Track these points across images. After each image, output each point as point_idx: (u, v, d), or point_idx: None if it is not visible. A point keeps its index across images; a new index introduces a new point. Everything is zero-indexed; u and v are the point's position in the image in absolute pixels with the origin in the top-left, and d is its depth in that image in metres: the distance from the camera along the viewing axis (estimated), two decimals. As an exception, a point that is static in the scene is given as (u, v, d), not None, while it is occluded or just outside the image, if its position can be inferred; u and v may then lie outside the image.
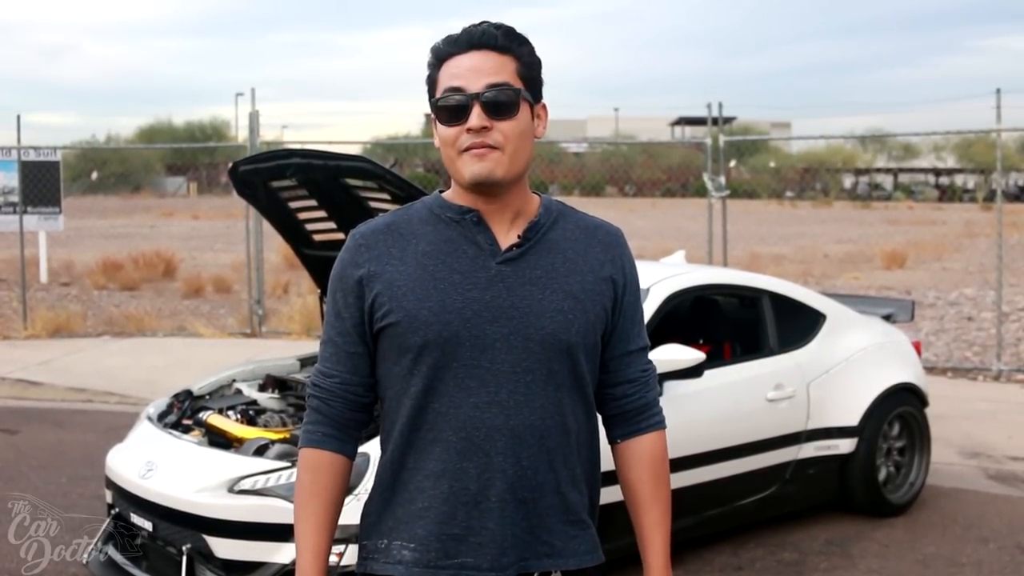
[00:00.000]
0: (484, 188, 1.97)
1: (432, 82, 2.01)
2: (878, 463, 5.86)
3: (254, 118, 12.17)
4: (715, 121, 11.43)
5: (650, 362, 2.20)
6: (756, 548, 5.43)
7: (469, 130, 1.94)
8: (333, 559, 4.02)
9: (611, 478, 2.18)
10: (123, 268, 17.73)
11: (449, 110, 1.96)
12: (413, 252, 1.99)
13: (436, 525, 1.96)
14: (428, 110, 2.05)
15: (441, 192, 2.08)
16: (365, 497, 2.09)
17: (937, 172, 65.10)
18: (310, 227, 5.48)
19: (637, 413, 2.14)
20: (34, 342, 11.88)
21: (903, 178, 65.31)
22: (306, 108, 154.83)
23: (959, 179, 61.80)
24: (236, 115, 54.98)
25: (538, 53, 2.04)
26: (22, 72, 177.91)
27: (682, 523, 5.14)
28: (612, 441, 2.17)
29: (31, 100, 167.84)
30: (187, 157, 54.73)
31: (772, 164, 52.75)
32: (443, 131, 1.97)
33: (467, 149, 1.95)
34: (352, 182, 4.87)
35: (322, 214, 5.33)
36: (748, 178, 47.49)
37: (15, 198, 12.60)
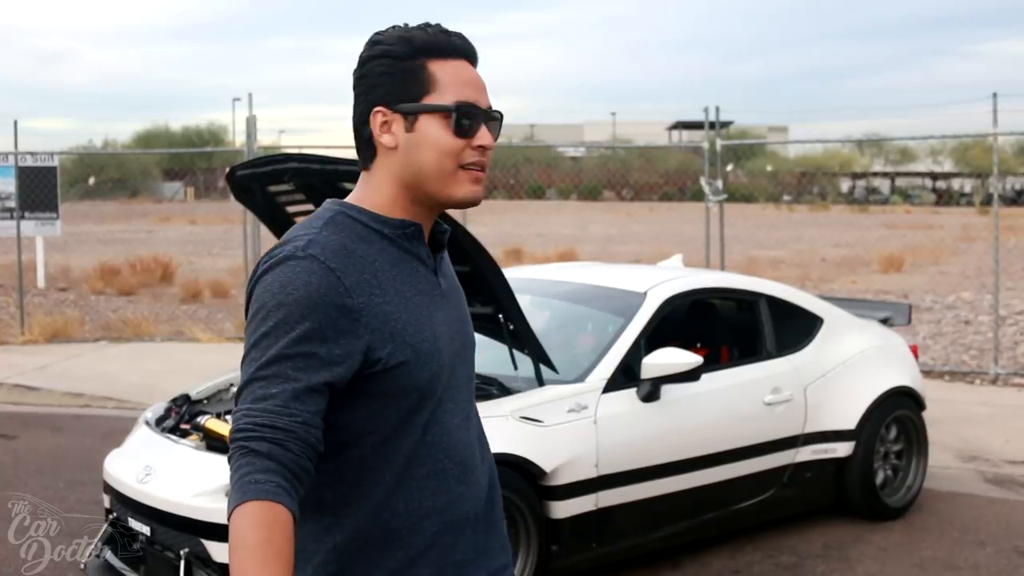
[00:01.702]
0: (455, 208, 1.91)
1: (416, 76, 1.81)
2: (875, 467, 5.87)
3: (251, 123, 12.16)
4: (712, 125, 11.45)
5: None
6: (753, 552, 5.43)
7: (479, 147, 1.83)
8: None
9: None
10: (120, 273, 17.72)
11: (469, 121, 1.82)
12: (385, 278, 1.79)
13: (441, 557, 1.86)
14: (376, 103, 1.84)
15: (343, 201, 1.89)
16: None
17: (934, 176, 65.21)
18: (308, 232, 5.48)
19: None
20: (32, 347, 11.87)
21: (900, 182, 65.40)
22: (303, 113, 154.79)
23: (956, 183, 61.93)
24: (233, 120, 55.07)
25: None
26: (19, 78, 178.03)
27: (679, 527, 5.16)
28: None
29: (28, 106, 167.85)
30: (184, 162, 54.72)
31: (769, 168, 52.78)
32: (449, 141, 1.81)
33: (466, 166, 1.83)
34: (349, 187, 4.88)
35: (320, 219, 5.32)
36: (745, 182, 47.55)
37: (12, 203, 12.61)
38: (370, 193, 1.86)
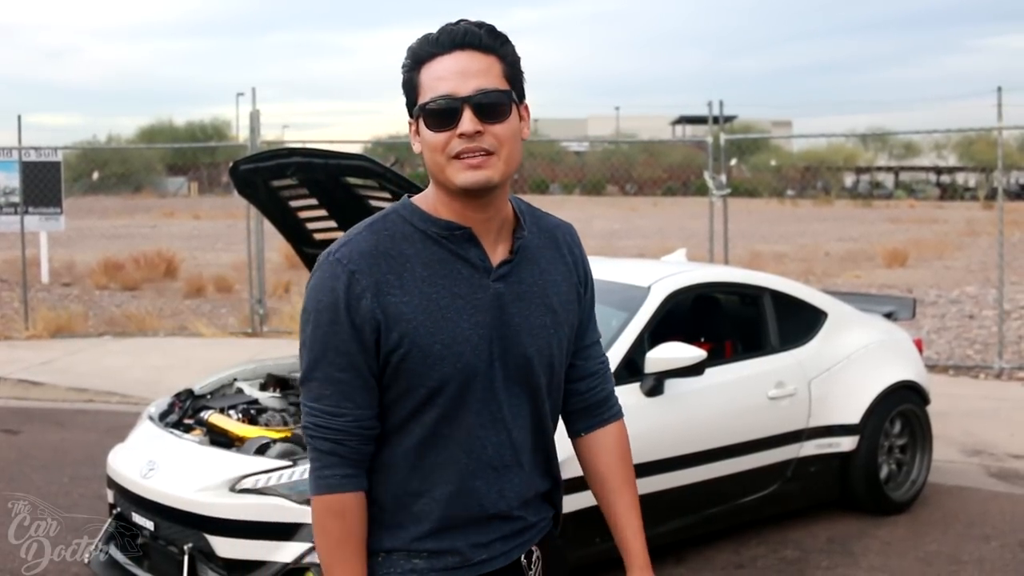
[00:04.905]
0: (476, 194, 1.93)
1: (412, 86, 1.95)
2: (880, 461, 5.86)
3: (255, 118, 12.17)
4: (716, 120, 11.43)
5: (604, 355, 2.27)
6: (758, 546, 5.43)
7: (461, 135, 1.88)
8: None
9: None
10: (124, 268, 17.73)
11: (438, 114, 1.89)
12: (411, 278, 1.92)
13: (450, 543, 1.99)
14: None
15: (409, 197, 2.03)
16: None
17: (938, 170, 65.12)
18: (311, 226, 5.49)
19: (599, 405, 2.23)
20: (35, 342, 11.89)
21: (904, 176, 65.35)
22: (307, 108, 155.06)
23: (960, 177, 61.84)
24: (237, 115, 54.94)
25: (519, 52, 1.98)
26: (24, 73, 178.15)
27: (684, 521, 5.16)
28: (576, 435, 2.24)
29: (33, 101, 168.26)
30: (188, 157, 54.65)
31: (773, 163, 52.77)
32: (431, 137, 1.91)
33: (459, 155, 1.89)
34: (352, 181, 4.88)
35: (323, 213, 5.33)
36: (749, 177, 47.52)
37: (16, 198, 12.61)
38: (427, 192, 2.02)
